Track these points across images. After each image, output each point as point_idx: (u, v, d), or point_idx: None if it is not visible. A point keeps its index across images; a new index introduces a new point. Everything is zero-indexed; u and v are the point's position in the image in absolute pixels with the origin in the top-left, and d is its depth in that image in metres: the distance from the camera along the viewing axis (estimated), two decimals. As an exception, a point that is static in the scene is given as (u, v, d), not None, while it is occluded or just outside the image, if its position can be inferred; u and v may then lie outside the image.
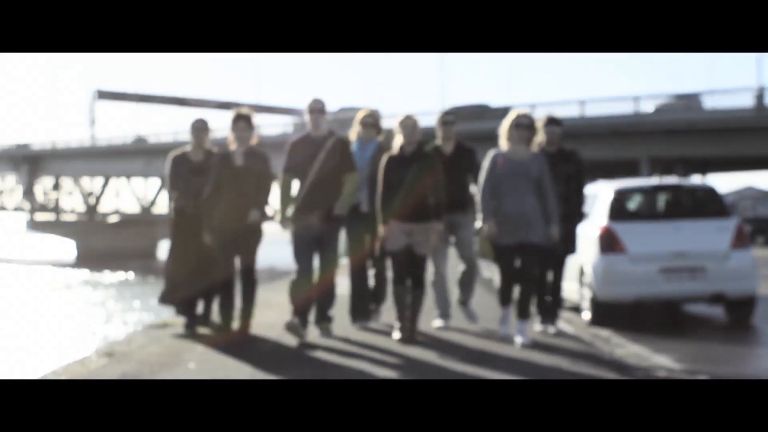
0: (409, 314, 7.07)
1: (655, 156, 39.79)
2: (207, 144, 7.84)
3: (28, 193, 71.09)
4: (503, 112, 38.94)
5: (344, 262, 7.89)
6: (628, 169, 39.05)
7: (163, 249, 50.18)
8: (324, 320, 7.44)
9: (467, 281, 7.94)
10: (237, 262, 7.34)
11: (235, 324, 7.34)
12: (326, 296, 7.38)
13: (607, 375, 5.67)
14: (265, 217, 7.35)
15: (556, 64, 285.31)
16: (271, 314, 8.68)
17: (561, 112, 17.53)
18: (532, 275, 7.13)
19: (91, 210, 68.66)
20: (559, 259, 7.73)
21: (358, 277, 7.79)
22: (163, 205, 60.23)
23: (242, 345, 6.93)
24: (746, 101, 38.50)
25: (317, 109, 7.16)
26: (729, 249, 9.11)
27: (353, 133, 7.86)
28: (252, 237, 7.30)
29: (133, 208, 67.78)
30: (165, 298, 7.91)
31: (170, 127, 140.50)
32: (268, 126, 56.48)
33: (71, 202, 72.16)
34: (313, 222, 6.99)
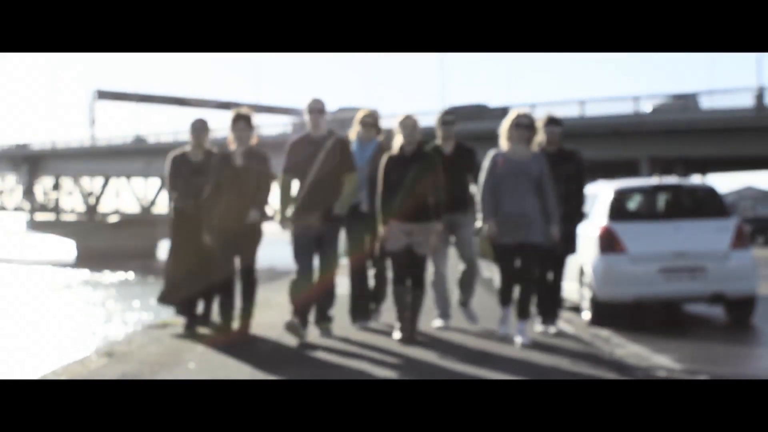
0: (409, 314, 7.06)
1: (655, 156, 39.81)
2: (207, 144, 7.83)
3: (28, 193, 71.09)
4: (503, 112, 39.01)
5: (344, 262, 7.88)
6: (628, 169, 39.04)
7: (163, 249, 50.19)
8: (324, 320, 7.44)
9: (467, 281, 7.93)
10: (237, 262, 7.34)
11: (235, 324, 7.34)
12: (326, 296, 7.39)
13: (607, 375, 5.67)
14: (264, 217, 7.35)
15: (556, 64, 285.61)
16: (271, 314, 8.67)
17: (561, 112, 17.48)
18: (532, 275, 7.12)
19: (91, 210, 68.69)
20: (559, 259, 7.72)
21: (358, 277, 7.79)
22: (163, 205, 60.31)
23: (242, 345, 6.93)
24: (746, 101, 38.54)
25: (317, 109, 7.15)
26: (729, 249, 9.12)
27: (353, 133, 7.86)
28: (252, 237, 7.30)
29: (133, 208, 67.87)
30: (165, 298, 7.91)
31: (170, 127, 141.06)
32: (267, 126, 56.49)
33: (71, 202, 72.28)
34: (312, 222, 6.99)
